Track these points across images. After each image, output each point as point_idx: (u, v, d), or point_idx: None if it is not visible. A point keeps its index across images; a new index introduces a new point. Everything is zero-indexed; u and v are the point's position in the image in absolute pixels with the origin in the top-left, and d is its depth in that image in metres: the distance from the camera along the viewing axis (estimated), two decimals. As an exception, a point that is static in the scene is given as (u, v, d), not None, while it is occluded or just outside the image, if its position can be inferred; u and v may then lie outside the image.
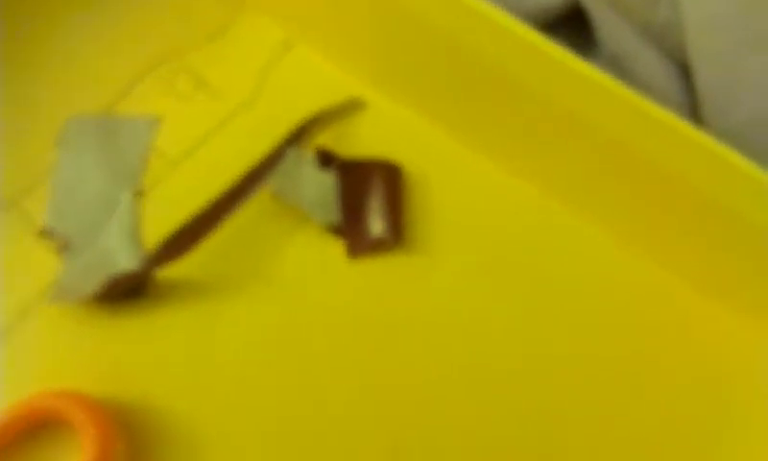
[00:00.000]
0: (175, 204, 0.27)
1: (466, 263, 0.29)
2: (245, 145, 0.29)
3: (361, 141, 0.30)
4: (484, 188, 0.30)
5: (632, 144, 0.26)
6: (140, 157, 0.27)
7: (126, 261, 0.26)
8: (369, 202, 0.29)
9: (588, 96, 0.26)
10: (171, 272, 0.27)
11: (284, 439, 0.26)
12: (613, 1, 0.30)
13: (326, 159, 0.29)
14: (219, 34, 0.32)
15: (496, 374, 0.27)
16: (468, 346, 0.27)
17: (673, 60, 0.30)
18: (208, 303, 0.27)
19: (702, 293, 0.28)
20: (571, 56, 0.25)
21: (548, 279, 0.28)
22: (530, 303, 0.28)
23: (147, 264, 0.26)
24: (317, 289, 0.28)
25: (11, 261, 0.27)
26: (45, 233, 0.26)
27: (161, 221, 0.27)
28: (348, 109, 0.31)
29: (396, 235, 0.28)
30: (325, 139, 0.30)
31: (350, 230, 0.29)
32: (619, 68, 0.29)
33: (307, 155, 0.29)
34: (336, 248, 0.28)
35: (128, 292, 0.27)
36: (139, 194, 0.27)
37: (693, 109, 0.29)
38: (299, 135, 0.29)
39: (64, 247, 0.26)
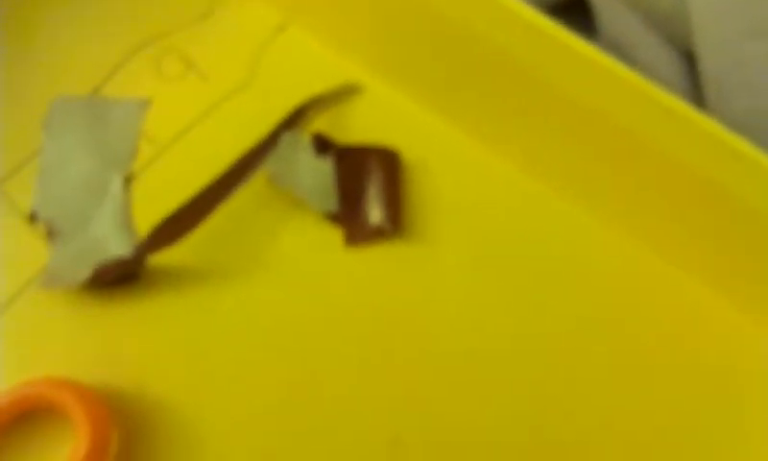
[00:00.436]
0: (164, 189, 0.26)
1: (464, 251, 0.28)
2: (237, 129, 0.28)
3: (357, 127, 0.30)
4: (482, 176, 0.29)
5: (636, 130, 0.25)
6: (129, 140, 0.27)
7: (118, 247, 0.25)
8: (367, 189, 0.28)
9: (592, 81, 0.25)
10: (164, 258, 0.26)
11: (281, 426, 0.25)
12: (615, -13, 0.30)
13: (323, 145, 0.29)
14: (209, 13, 0.32)
15: (495, 361, 0.27)
16: (467, 333, 0.27)
17: (676, 47, 0.30)
18: (202, 290, 0.27)
19: (705, 284, 0.28)
20: (575, 38, 0.25)
21: (547, 267, 0.28)
22: (529, 290, 0.28)
23: (139, 250, 0.25)
24: (314, 277, 0.27)
25: (-1, 247, 0.27)
26: (33, 218, 0.26)
27: (150, 206, 0.26)
28: (345, 93, 0.30)
29: (395, 224, 0.28)
30: (321, 124, 0.30)
31: (348, 218, 0.28)
32: (620, 55, 0.29)
33: (303, 140, 0.28)
34: (333, 234, 0.28)
35: (120, 279, 0.26)
36: (129, 179, 0.26)
37: (696, 97, 0.29)
38: (294, 120, 0.29)
39: (52, 232, 0.26)
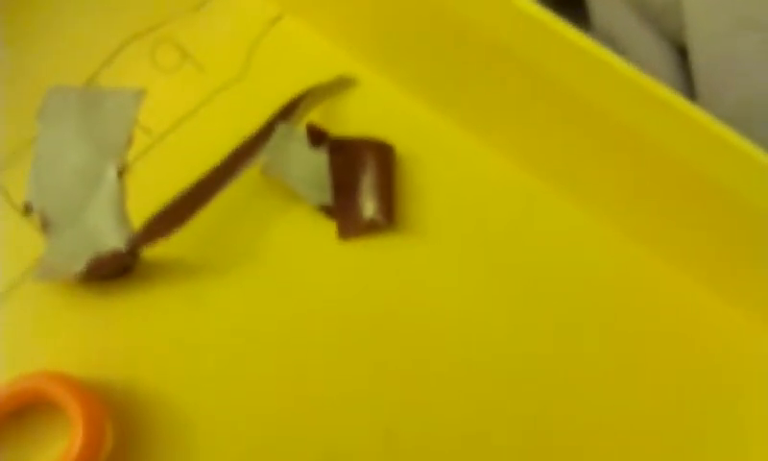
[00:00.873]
0: (159, 179, 0.27)
1: (458, 244, 0.28)
2: (231, 120, 0.28)
3: (352, 119, 0.30)
4: (477, 169, 0.29)
5: (629, 123, 0.25)
6: (124, 130, 0.27)
7: (112, 238, 0.25)
8: (361, 182, 0.28)
9: (585, 73, 0.25)
10: (158, 250, 0.26)
11: (273, 421, 0.25)
12: (609, -20, 0.30)
13: (317, 137, 0.29)
14: (204, 3, 0.32)
15: (488, 354, 0.27)
16: (460, 327, 0.27)
17: (669, 40, 0.30)
18: (196, 283, 0.27)
19: (698, 280, 0.28)
20: (570, 29, 0.25)
21: (540, 260, 0.28)
22: (522, 284, 0.28)
23: (133, 243, 0.25)
24: (307, 270, 0.27)
25: (-7, 238, 0.27)
26: (27, 210, 0.26)
27: (145, 197, 0.26)
28: (340, 85, 0.30)
29: (389, 217, 0.28)
30: (316, 117, 0.30)
31: (342, 210, 0.28)
32: (614, 48, 0.29)
33: (298, 132, 0.28)
34: (327, 227, 0.28)
35: (115, 271, 0.26)
36: (124, 169, 0.26)
37: (688, 89, 0.29)
38: (288, 112, 0.29)
39: (46, 223, 0.26)
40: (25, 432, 0.24)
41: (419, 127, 0.30)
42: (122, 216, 0.26)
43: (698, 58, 0.28)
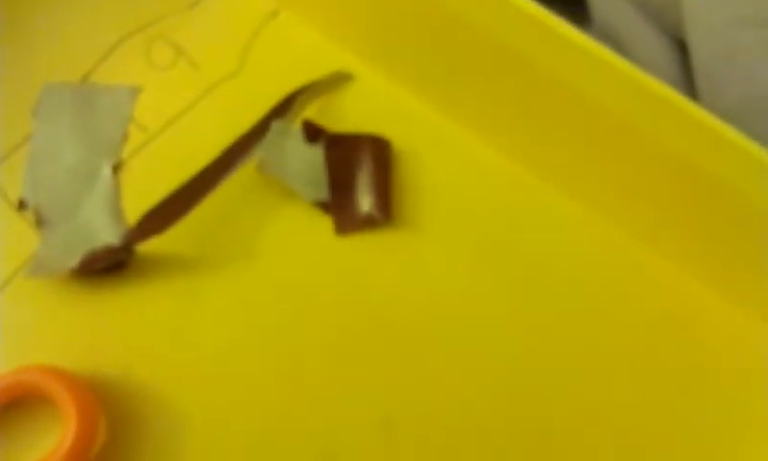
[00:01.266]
0: (154, 176, 0.27)
1: (455, 240, 0.28)
2: (227, 117, 0.28)
3: (348, 115, 0.30)
4: (473, 165, 0.29)
5: (628, 120, 0.25)
6: (119, 127, 0.27)
7: (107, 235, 0.25)
8: (357, 177, 0.28)
9: (584, 70, 0.25)
10: (153, 246, 0.26)
11: (268, 415, 0.25)
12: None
13: (314, 133, 0.29)
14: (199, 0, 0.31)
15: (484, 347, 0.27)
16: (456, 320, 0.27)
17: (669, 36, 0.30)
18: (191, 279, 0.27)
19: (696, 276, 0.28)
20: (568, 27, 0.25)
21: (537, 256, 0.28)
22: (519, 279, 0.28)
23: (128, 238, 0.25)
24: (304, 265, 0.27)
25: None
26: (22, 206, 0.26)
27: (139, 194, 0.26)
28: (336, 81, 0.30)
29: (386, 212, 0.28)
30: (312, 112, 0.29)
31: (339, 206, 0.28)
32: (613, 45, 0.29)
33: (294, 128, 0.28)
34: (323, 223, 0.28)
35: (108, 267, 0.26)
36: (119, 166, 0.26)
37: (688, 86, 0.29)
38: (284, 108, 0.28)
39: (41, 219, 0.26)
40: (18, 426, 0.24)
41: (415, 122, 0.30)
42: (117, 213, 0.26)
43: (698, 54, 0.28)
